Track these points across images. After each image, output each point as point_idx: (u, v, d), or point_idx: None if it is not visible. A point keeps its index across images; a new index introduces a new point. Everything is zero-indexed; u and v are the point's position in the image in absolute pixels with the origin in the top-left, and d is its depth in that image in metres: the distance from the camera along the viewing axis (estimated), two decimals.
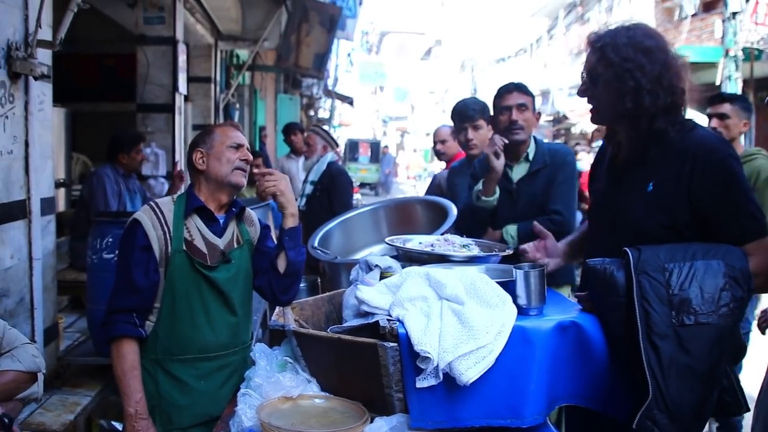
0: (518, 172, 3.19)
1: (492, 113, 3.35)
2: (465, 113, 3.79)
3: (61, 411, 3.44)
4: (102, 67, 8.96)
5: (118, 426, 3.49)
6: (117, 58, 8.61)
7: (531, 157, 3.16)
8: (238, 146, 2.37)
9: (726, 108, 3.89)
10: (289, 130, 8.20)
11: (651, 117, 1.99)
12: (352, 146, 27.90)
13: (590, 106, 2.17)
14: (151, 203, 2.34)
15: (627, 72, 1.99)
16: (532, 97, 3.22)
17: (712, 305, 1.78)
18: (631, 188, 2.08)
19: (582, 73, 2.16)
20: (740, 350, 2.00)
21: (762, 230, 1.94)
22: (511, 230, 3.08)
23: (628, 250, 1.86)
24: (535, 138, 3.23)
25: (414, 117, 46.33)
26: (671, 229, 1.96)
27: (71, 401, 3.57)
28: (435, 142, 5.18)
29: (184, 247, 2.26)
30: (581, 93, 2.17)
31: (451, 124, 4.10)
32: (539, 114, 3.30)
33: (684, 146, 1.98)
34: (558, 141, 17.53)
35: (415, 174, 33.86)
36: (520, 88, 3.19)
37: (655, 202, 1.99)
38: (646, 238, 1.92)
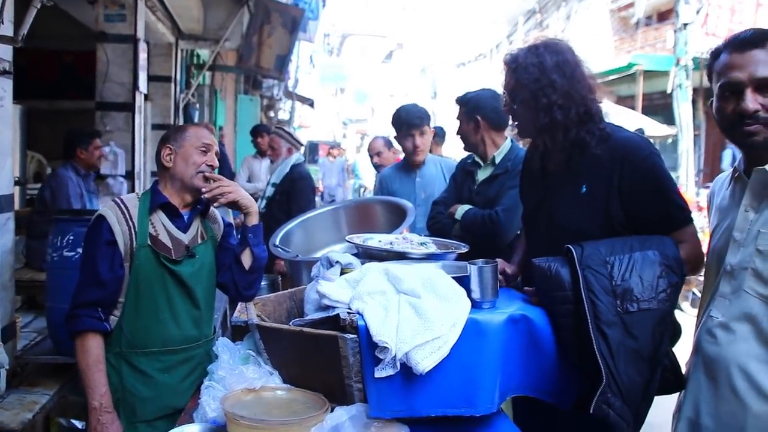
0: (482, 174, 3.31)
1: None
2: (411, 121, 3.93)
3: (19, 410, 3.41)
4: (61, 63, 8.83)
5: (78, 424, 3.49)
6: (76, 54, 8.49)
7: (497, 161, 3.26)
8: (207, 150, 2.41)
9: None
10: (256, 132, 8.36)
11: (566, 128, 2.16)
12: (312, 148, 27.76)
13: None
14: (116, 199, 2.37)
15: (540, 90, 2.16)
16: (473, 105, 3.29)
17: (651, 292, 1.92)
18: (564, 193, 2.23)
19: (503, 92, 2.31)
20: (677, 331, 2.15)
21: (687, 218, 2.13)
22: (463, 208, 3.21)
23: (571, 247, 1.98)
24: (513, 142, 3.31)
25: (374, 120, 46.40)
26: (606, 227, 2.11)
27: (29, 400, 3.54)
28: (371, 155, 5.27)
29: (149, 242, 2.30)
30: (505, 112, 2.35)
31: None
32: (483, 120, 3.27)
33: (608, 150, 2.14)
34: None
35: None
36: (459, 101, 3.37)
37: (589, 203, 2.15)
38: (584, 237, 2.05)
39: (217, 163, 2.44)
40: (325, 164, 16.92)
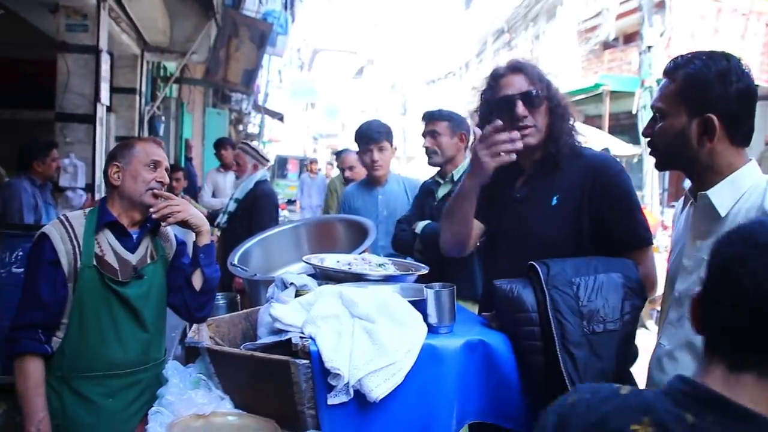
0: (442, 191, 3.36)
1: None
2: (371, 135, 3.93)
3: None
4: (22, 73, 8.62)
5: None
6: (38, 64, 8.30)
7: (456, 177, 3.30)
8: (156, 166, 2.34)
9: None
10: (219, 144, 8.23)
11: (556, 139, 2.20)
12: (281, 162, 27.60)
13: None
14: (61, 216, 2.29)
15: (554, 98, 2.23)
16: (449, 120, 3.37)
17: (617, 313, 1.92)
18: (535, 203, 2.23)
19: (515, 95, 2.20)
20: (635, 354, 2.14)
21: (649, 239, 2.17)
22: (423, 223, 3.23)
23: (536, 265, 1.95)
24: None
25: (345, 135, 46.47)
26: (574, 240, 2.12)
27: None
28: (342, 169, 5.23)
29: (95, 262, 2.21)
30: (518, 116, 2.21)
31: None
32: (462, 134, 3.39)
33: (581, 165, 2.17)
34: None
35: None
36: (431, 116, 3.42)
37: (559, 214, 2.16)
38: (551, 247, 2.06)
39: (167, 180, 2.36)
40: (306, 181, 13.97)
